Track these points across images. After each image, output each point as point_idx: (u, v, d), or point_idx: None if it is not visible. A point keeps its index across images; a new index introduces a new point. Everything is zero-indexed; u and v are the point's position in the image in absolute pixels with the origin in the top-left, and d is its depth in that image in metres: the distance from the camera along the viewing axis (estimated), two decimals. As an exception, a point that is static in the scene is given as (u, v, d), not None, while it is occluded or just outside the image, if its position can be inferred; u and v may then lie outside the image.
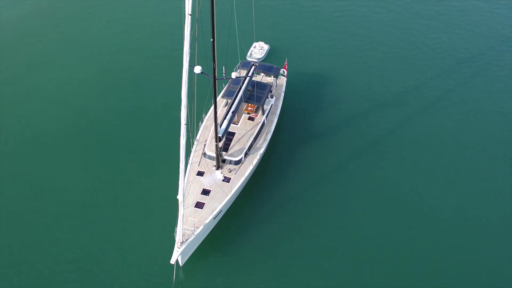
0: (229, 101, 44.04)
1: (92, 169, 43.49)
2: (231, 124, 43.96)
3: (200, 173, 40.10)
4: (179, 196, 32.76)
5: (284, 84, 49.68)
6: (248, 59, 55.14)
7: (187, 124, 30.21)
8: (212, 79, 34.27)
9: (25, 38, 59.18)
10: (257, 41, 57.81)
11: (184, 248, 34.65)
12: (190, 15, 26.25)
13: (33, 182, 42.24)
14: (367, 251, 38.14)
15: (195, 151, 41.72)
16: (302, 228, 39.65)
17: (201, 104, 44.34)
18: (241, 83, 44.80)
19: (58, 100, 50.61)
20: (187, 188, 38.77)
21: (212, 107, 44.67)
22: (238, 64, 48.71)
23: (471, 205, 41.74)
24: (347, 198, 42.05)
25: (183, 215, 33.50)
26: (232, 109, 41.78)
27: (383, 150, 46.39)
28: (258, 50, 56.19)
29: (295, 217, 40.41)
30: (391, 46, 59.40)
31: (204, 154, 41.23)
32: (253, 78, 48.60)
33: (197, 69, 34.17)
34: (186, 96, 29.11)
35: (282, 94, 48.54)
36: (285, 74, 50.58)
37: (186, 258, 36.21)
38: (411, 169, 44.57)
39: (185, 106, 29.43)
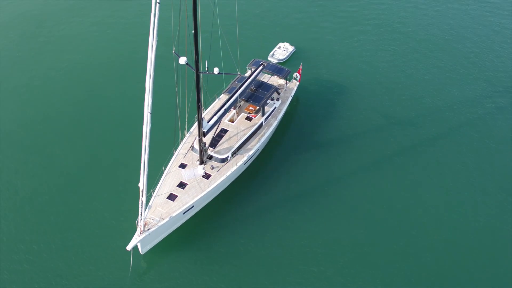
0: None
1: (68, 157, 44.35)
2: (227, 122, 43.24)
3: (183, 166, 39.73)
4: (140, 184, 32.62)
5: (295, 89, 47.99)
6: (269, 58, 53.94)
7: (151, 113, 29.95)
8: (195, 72, 33.71)
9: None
10: (282, 41, 56.69)
11: (144, 237, 34.49)
12: (159, 3, 25.83)
13: None
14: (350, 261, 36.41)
15: (184, 143, 41.40)
16: (279, 236, 38.15)
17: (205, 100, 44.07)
18: (243, 81, 43.89)
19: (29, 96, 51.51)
20: (166, 178, 38.66)
21: (216, 102, 44.53)
22: (250, 62, 47.93)
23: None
24: (332, 211, 39.95)
25: (143, 203, 33.38)
26: (226, 106, 41.01)
27: (385, 169, 43.55)
28: (281, 51, 54.77)
29: (276, 225, 38.97)
30: (427, 63, 55.55)
31: (192, 147, 40.78)
32: (266, 79, 47.73)
33: (182, 60, 33.67)
34: (150, 85, 28.82)
35: (290, 99, 46.88)
36: (298, 78, 48.94)
37: (148, 247, 36.04)
38: (410, 199, 41.62)
39: (149, 95, 29.16)
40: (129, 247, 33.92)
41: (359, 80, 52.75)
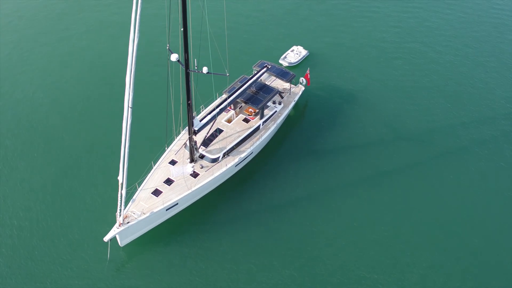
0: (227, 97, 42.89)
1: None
2: (223, 122, 42.93)
3: (173, 162, 39.73)
4: (119, 178, 32.78)
5: (299, 94, 47.06)
6: (281, 61, 53.20)
7: (132, 108, 30.00)
8: (184, 69, 33.55)
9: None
10: (297, 44, 55.79)
11: (123, 230, 34.75)
12: (140, -2, 25.83)
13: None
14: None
15: (178, 140, 41.42)
16: (261, 242, 37.53)
17: (204, 99, 44.44)
18: (244, 82, 43.43)
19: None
20: (154, 173, 38.73)
21: (216, 101, 44.25)
22: (257, 63, 47.42)
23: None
24: (318, 222, 38.93)
25: (123, 196, 33.54)
26: (222, 106, 40.66)
27: (384, 184, 42.02)
28: (294, 54, 53.90)
29: (259, 230, 38.37)
30: (445, 77, 53.34)
31: (185, 145, 40.72)
32: (271, 82, 47.12)
33: (173, 57, 33.61)
34: (131, 80, 28.87)
35: (293, 103, 46.05)
36: (304, 83, 47.95)
37: (128, 240, 36.26)
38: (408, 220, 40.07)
39: (131, 90, 29.21)
40: (106, 238, 34.26)
41: (371, 90, 51.23)
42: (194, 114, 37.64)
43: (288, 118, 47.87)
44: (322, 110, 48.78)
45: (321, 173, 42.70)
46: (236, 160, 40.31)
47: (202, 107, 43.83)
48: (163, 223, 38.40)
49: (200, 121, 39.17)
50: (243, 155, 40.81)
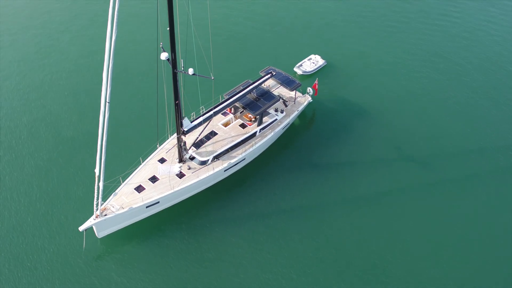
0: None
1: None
2: (220, 125, 42.45)
3: (162, 160, 39.78)
4: (96, 170, 33.07)
5: (305, 104, 45.77)
6: (295, 69, 52.04)
7: (109, 103, 30.18)
8: (172, 69, 33.37)
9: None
10: (315, 53, 54.39)
11: (99, 222, 35.13)
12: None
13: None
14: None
15: (172, 138, 41.40)
16: (237, 249, 36.85)
17: (204, 100, 44.28)
18: (244, 87, 42.76)
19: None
20: (141, 170, 38.86)
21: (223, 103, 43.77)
22: (264, 69, 46.66)
23: None
24: (300, 239, 37.63)
25: (101, 189, 33.85)
26: (216, 109, 40.21)
27: (377, 207, 40.03)
28: (310, 63, 52.55)
29: (242, 238, 37.70)
30: (469, 99, 50.19)
31: (184, 143, 40.61)
32: (277, 89, 46.20)
33: (163, 56, 33.54)
34: (109, 75, 29.04)
35: (296, 113, 44.84)
36: (311, 93, 46.55)
37: (106, 232, 36.62)
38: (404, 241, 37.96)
39: (108, 85, 29.39)
40: (81, 228, 34.75)
41: (384, 107, 48.96)
42: (183, 114, 37.50)
43: (292, 127, 46.76)
44: (329, 122, 47.20)
45: (312, 186, 41.26)
46: (225, 165, 39.75)
47: (202, 108, 43.69)
48: (145, 220, 38.54)
49: (192, 122, 39.05)
50: (233, 160, 40.16)
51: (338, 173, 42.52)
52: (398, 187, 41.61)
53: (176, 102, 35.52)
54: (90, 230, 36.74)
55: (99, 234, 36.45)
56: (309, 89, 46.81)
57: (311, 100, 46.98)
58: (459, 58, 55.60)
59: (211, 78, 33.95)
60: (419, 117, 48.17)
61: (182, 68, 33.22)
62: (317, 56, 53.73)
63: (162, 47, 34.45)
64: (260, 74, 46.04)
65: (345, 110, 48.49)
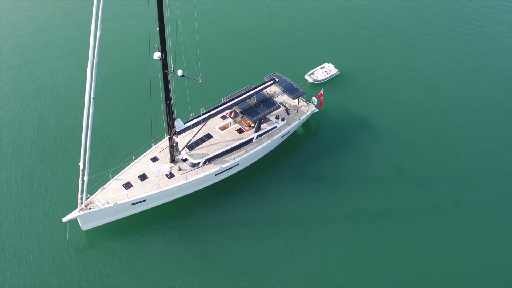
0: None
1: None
2: (217, 128, 42.08)
3: (154, 159, 39.86)
4: (81, 164, 33.48)
5: (307, 114, 44.68)
6: (306, 77, 50.97)
7: (94, 98, 30.45)
8: (162, 69, 33.31)
9: None
10: (329, 62, 53.07)
11: (83, 215, 35.59)
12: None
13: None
14: None
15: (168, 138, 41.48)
16: (220, 256, 36.47)
17: (204, 103, 44.19)
18: (244, 92, 42.20)
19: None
20: (132, 167, 39.06)
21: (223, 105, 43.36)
22: (270, 74, 46.03)
23: None
24: (284, 254, 36.70)
25: (85, 182, 34.27)
26: (212, 112, 39.85)
27: (367, 226, 38.62)
28: (322, 72, 51.32)
29: (228, 243, 37.31)
30: (484, 123, 47.56)
31: (176, 144, 40.58)
32: (281, 97, 45.41)
33: (155, 55, 33.55)
34: (93, 72, 29.30)
35: (297, 122, 43.80)
36: (316, 103, 45.36)
37: (91, 226, 37.03)
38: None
39: (93, 81, 29.64)
40: (65, 219, 35.35)
41: (395, 123, 47.10)
42: (175, 115, 37.43)
43: (295, 136, 45.82)
44: (333, 135, 45.89)
45: (306, 198, 40.26)
46: (216, 169, 39.38)
47: (202, 110, 43.48)
48: (133, 217, 38.80)
49: (185, 123, 38.93)
50: (225, 165, 39.75)
51: (335, 188, 41.25)
52: (396, 208, 39.94)
53: (167, 102, 35.52)
54: (76, 222, 37.46)
55: (84, 226, 36.96)
56: (314, 99, 45.68)
57: (316, 110, 45.89)
58: (484, 77, 52.86)
59: (198, 81, 33.69)
60: (430, 136, 46.08)
61: (172, 69, 33.18)
62: (330, 64, 52.45)
63: (157, 46, 34.55)
64: (265, 79, 45.46)
65: (352, 123, 47.01)
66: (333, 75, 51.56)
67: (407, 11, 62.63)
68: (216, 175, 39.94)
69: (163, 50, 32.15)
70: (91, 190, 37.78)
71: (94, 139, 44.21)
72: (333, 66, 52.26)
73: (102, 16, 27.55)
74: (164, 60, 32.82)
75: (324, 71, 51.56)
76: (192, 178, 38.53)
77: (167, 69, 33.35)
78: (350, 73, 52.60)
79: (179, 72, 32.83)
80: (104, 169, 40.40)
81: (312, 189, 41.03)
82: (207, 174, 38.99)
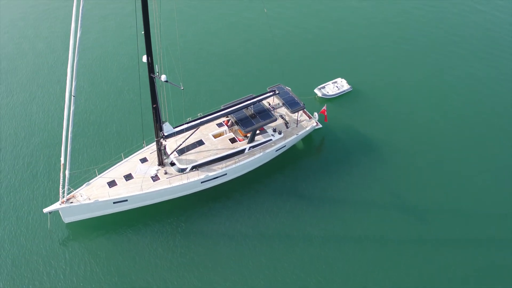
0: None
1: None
2: (210, 135, 41.59)
3: (144, 160, 39.93)
4: (62, 159, 33.98)
5: (307, 129, 43.30)
6: (315, 91, 49.49)
7: (75, 96, 30.79)
8: (148, 73, 33.21)
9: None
10: (342, 77, 51.33)
11: (64, 208, 36.18)
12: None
13: None
14: None
15: (162, 140, 41.52)
16: (198, 265, 36.11)
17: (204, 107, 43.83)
18: (244, 100, 41.46)
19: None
20: (120, 165, 39.32)
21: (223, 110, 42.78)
22: (273, 85, 45.14)
23: None
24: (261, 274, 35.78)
25: (67, 177, 34.79)
26: (204, 119, 39.38)
27: (370, 254, 36.87)
28: (333, 87, 49.65)
29: (198, 255, 36.88)
30: (498, 153, 44.39)
31: (164, 147, 40.56)
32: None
33: (144, 58, 33.55)
34: (73, 70, 29.63)
35: (295, 137, 42.53)
36: (317, 118, 43.86)
37: (73, 219, 37.53)
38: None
39: (73, 79, 29.99)
40: (46, 210, 36.08)
41: (403, 147, 44.85)
42: (163, 118, 37.28)
43: (294, 151, 44.54)
44: (335, 153, 44.26)
45: (296, 217, 39.02)
46: (202, 176, 38.90)
47: (200, 115, 43.20)
48: (118, 215, 39.00)
49: (175, 128, 38.72)
50: (211, 173, 39.20)
51: (324, 209, 39.72)
52: (389, 238, 37.90)
53: (154, 106, 35.47)
54: (59, 215, 38.07)
55: (65, 219, 37.56)
56: (316, 114, 44.33)
57: (319, 126, 44.43)
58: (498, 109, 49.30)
59: (180, 87, 33.37)
60: (442, 167, 43.34)
61: (157, 73, 33.11)
62: (343, 80, 50.70)
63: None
64: (268, 90, 44.54)
65: (357, 143, 45.13)
66: (344, 91, 49.83)
67: (434, 28, 59.63)
68: (202, 182, 39.48)
69: (149, 54, 32.14)
70: (77, 184, 38.52)
71: (88, 134, 45.17)
72: (345, 82, 50.49)
73: (82, 15, 27.84)
74: (150, 64, 32.81)
75: (335, 86, 49.94)
76: (176, 183, 38.30)
77: (153, 73, 33.34)
78: (363, 90, 50.65)
79: (163, 78, 32.70)
80: (93, 164, 41.06)
81: (299, 206, 39.71)
82: (192, 181, 38.61)
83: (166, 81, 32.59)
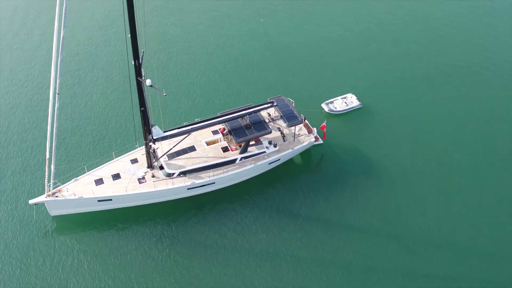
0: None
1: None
2: (203, 142, 41.07)
3: (134, 161, 39.97)
4: (47, 154, 34.44)
5: (304, 144, 41.95)
6: (323, 105, 47.92)
7: (59, 94, 31.09)
8: (135, 76, 33.05)
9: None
10: (352, 93, 49.57)
11: (49, 201, 36.78)
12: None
13: None
14: None
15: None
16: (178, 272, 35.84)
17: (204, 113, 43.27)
18: (238, 110, 40.64)
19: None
20: (110, 164, 39.54)
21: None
22: (275, 96, 44.21)
23: None
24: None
25: (52, 172, 35.30)
26: (197, 125, 38.86)
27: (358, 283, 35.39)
28: (341, 102, 47.95)
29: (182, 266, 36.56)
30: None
31: (154, 150, 40.38)
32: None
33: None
34: (58, 68, 29.90)
35: (290, 151, 41.29)
36: (315, 134, 42.33)
37: (58, 212, 38.11)
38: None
39: (58, 77, 30.29)
40: (31, 201, 36.79)
41: (407, 173, 42.62)
42: (152, 122, 37.09)
43: (290, 165, 43.29)
44: (333, 172, 42.68)
45: (281, 235, 37.86)
46: (189, 183, 38.47)
47: (197, 120, 42.74)
48: (107, 214, 39.19)
49: (165, 132, 38.47)
50: (198, 181, 38.71)
51: (316, 232, 38.30)
52: (381, 268, 36.09)
53: (142, 109, 35.38)
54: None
55: (51, 212, 38.18)
56: (315, 130, 42.88)
57: (319, 142, 42.97)
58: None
59: (163, 93, 32.98)
60: (443, 194, 40.94)
61: (144, 77, 32.94)
62: (353, 96, 48.91)
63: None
64: (268, 101, 43.53)
65: (358, 164, 43.35)
66: (353, 107, 48.04)
67: (457, 50, 56.51)
68: (188, 189, 39.12)
69: (135, 57, 32.05)
70: (65, 179, 39.19)
71: (82, 130, 45.73)
72: (355, 98, 48.69)
73: (66, 12, 28.09)
74: (137, 68, 32.73)
75: (344, 102, 48.24)
76: (161, 187, 38.06)
77: (141, 77, 33.24)
78: (373, 107, 48.67)
79: (148, 82, 32.52)
80: (85, 161, 41.55)
81: (283, 224, 38.54)
82: (177, 187, 38.29)
83: (151, 86, 32.44)
